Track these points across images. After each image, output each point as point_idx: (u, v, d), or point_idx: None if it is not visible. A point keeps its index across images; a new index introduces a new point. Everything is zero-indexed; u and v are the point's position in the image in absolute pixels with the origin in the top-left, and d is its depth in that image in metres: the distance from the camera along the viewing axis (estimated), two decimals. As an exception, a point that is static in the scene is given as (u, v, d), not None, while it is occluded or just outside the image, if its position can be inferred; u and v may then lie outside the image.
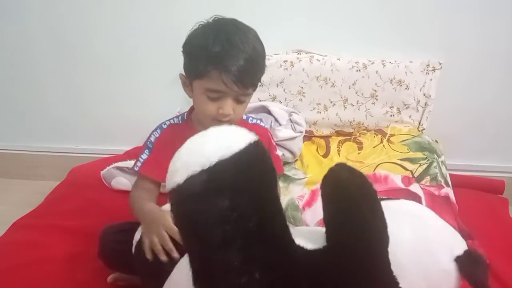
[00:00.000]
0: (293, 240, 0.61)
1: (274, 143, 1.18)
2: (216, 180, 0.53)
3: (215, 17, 0.95)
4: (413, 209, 0.74)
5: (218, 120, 0.94)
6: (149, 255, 0.81)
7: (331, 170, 0.65)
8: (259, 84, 0.97)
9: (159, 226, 0.82)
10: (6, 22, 1.78)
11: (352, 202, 0.60)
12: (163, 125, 1.05)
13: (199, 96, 0.95)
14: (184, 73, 0.98)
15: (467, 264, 0.66)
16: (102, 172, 1.49)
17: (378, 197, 0.64)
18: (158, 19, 1.67)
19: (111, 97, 1.87)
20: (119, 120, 1.90)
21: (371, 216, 0.60)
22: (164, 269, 0.74)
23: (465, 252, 0.68)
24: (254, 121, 1.13)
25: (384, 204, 0.63)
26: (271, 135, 1.18)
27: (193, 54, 0.94)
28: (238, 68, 0.88)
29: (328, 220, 0.64)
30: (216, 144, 0.55)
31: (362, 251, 0.60)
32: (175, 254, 0.78)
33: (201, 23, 0.95)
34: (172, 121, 1.06)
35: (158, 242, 0.80)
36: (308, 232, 0.71)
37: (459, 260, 0.66)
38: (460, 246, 0.69)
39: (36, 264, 1.09)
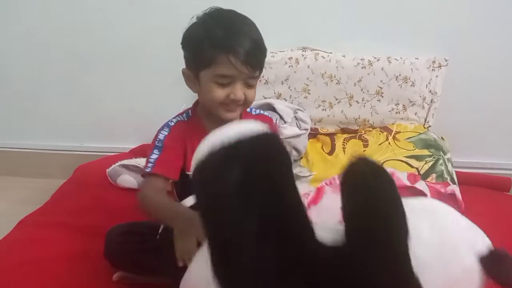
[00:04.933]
0: (312, 228, 0.62)
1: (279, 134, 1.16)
2: (233, 151, 0.58)
3: (210, 8, 0.94)
4: (432, 205, 0.74)
5: (227, 105, 0.94)
6: (180, 263, 0.78)
7: (351, 163, 0.64)
8: (261, 74, 0.96)
9: (193, 239, 0.77)
10: (8, 21, 1.79)
11: (372, 194, 0.59)
12: (170, 123, 1.02)
13: (207, 85, 0.93)
14: (186, 68, 0.97)
15: (491, 261, 0.65)
16: (107, 170, 1.50)
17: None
18: (162, 17, 1.67)
19: (117, 95, 1.87)
20: (124, 119, 1.90)
21: (391, 207, 0.59)
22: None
23: (488, 248, 0.67)
24: (258, 111, 1.13)
25: (403, 201, 0.62)
26: (276, 125, 1.16)
27: (196, 45, 0.92)
28: (245, 50, 0.88)
29: (347, 212, 0.64)
30: (238, 127, 0.59)
31: (382, 243, 0.59)
32: None
33: (196, 16, 0.94)
34: (179, 118, 1.04)
35: (190, 256, 0.74)
36: (320, 228, 0.70)
37: (481, 256, 0.65)
38: (482, 241, 0.68)
39: (42, 261, 1.09)
